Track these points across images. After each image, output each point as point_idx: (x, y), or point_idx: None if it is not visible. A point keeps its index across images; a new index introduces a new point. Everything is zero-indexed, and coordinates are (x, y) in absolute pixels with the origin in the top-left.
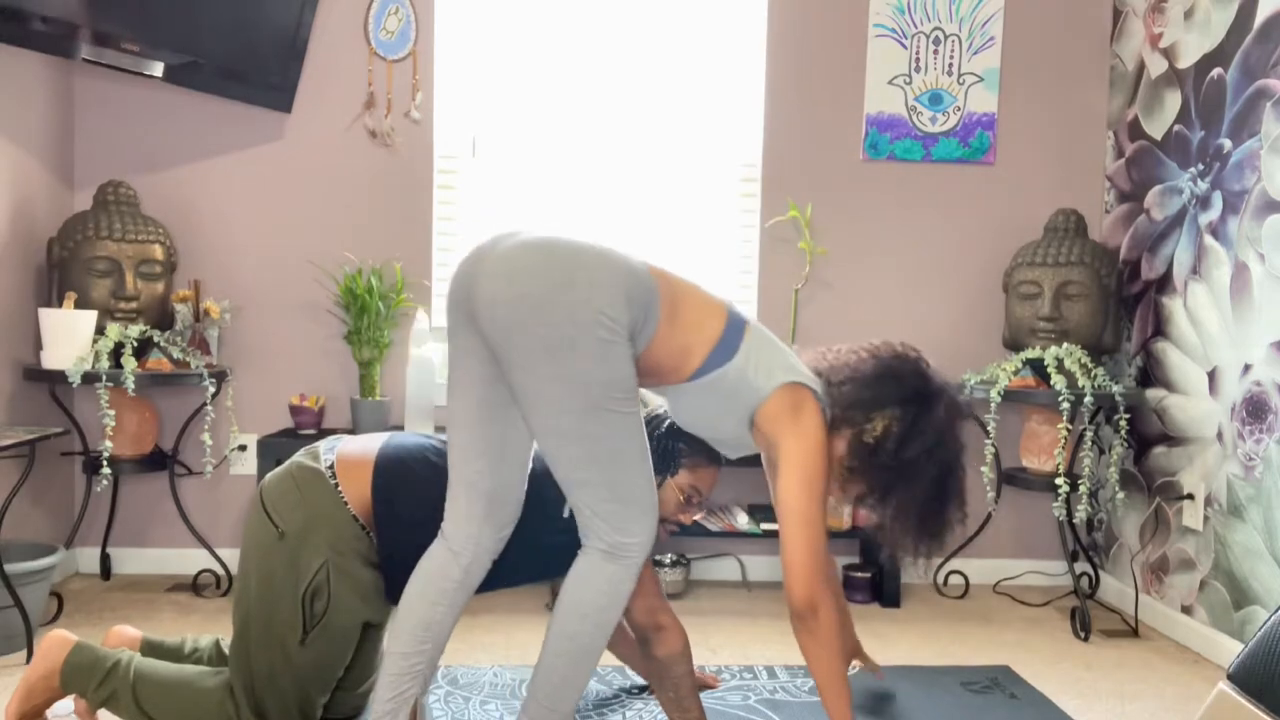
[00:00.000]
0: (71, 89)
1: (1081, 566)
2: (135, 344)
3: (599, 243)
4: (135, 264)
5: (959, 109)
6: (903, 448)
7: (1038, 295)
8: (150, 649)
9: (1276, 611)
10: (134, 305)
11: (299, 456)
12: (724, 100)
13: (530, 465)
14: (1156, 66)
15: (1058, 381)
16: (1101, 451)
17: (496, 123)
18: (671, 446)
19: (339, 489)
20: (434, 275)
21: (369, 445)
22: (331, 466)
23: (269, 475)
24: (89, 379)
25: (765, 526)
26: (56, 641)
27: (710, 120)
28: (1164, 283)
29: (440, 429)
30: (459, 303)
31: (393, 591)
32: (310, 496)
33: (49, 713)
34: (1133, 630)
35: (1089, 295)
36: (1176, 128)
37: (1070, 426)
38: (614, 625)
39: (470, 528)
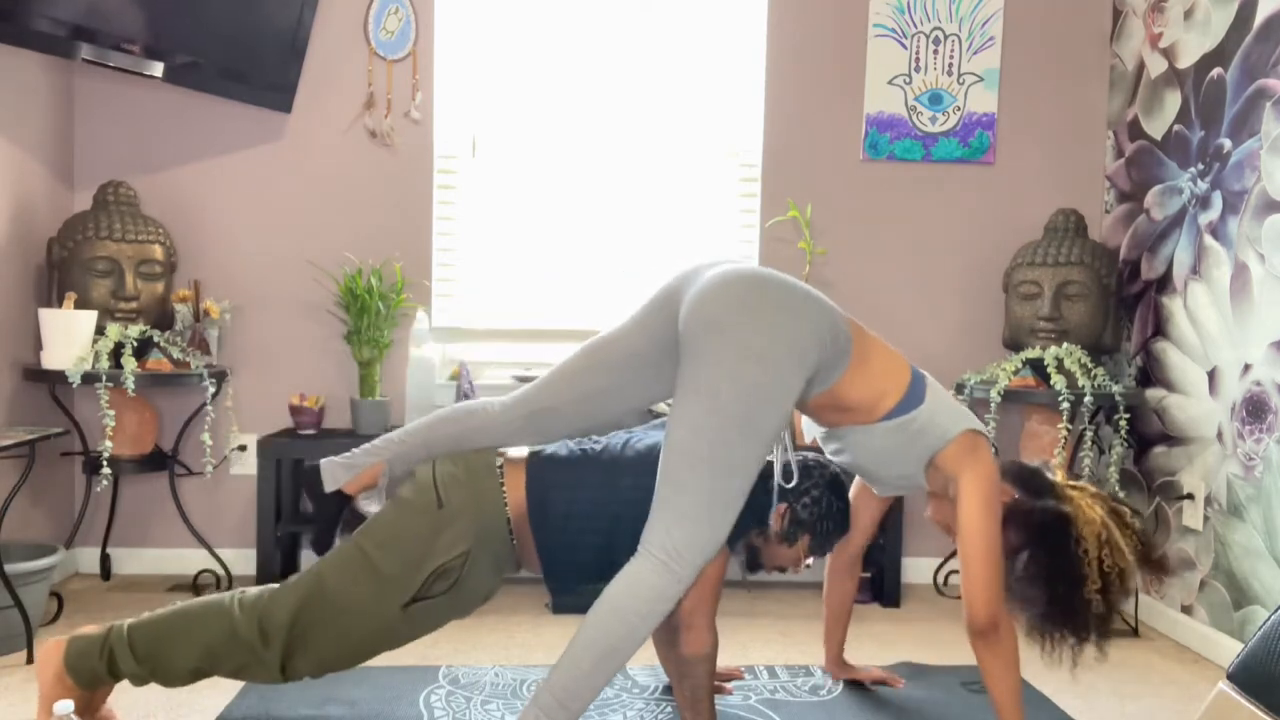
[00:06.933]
0: (71, 89)
1: None
2: (135, 344)
3: (812, 289)
4: (135, 264)
5: (959, 109)
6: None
7: (1038, 295)
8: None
9: (1276, 611)
10: (134, 305)
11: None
12: (724, 100)
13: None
14: (1156, 66)
15: (1058, 381)
16: (1101, 451)
17: (496, 123)
18: (831, 525)
19: (503, 488)
20: (434, 275)
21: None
22: (501, 466)
23: (442, 457)
24: (89, 379)
25: None
26: (50, 647)
27: (710, 120)
28: (1164, 283)
29: None
30: (668, 293)
31: (552, 581)
32: (478, 485)
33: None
34: (1133, 630)
35: (1089, 295)
36: (1176, 127)
37: (1070, 426)
38: (644, 637)
39: (513, 405)
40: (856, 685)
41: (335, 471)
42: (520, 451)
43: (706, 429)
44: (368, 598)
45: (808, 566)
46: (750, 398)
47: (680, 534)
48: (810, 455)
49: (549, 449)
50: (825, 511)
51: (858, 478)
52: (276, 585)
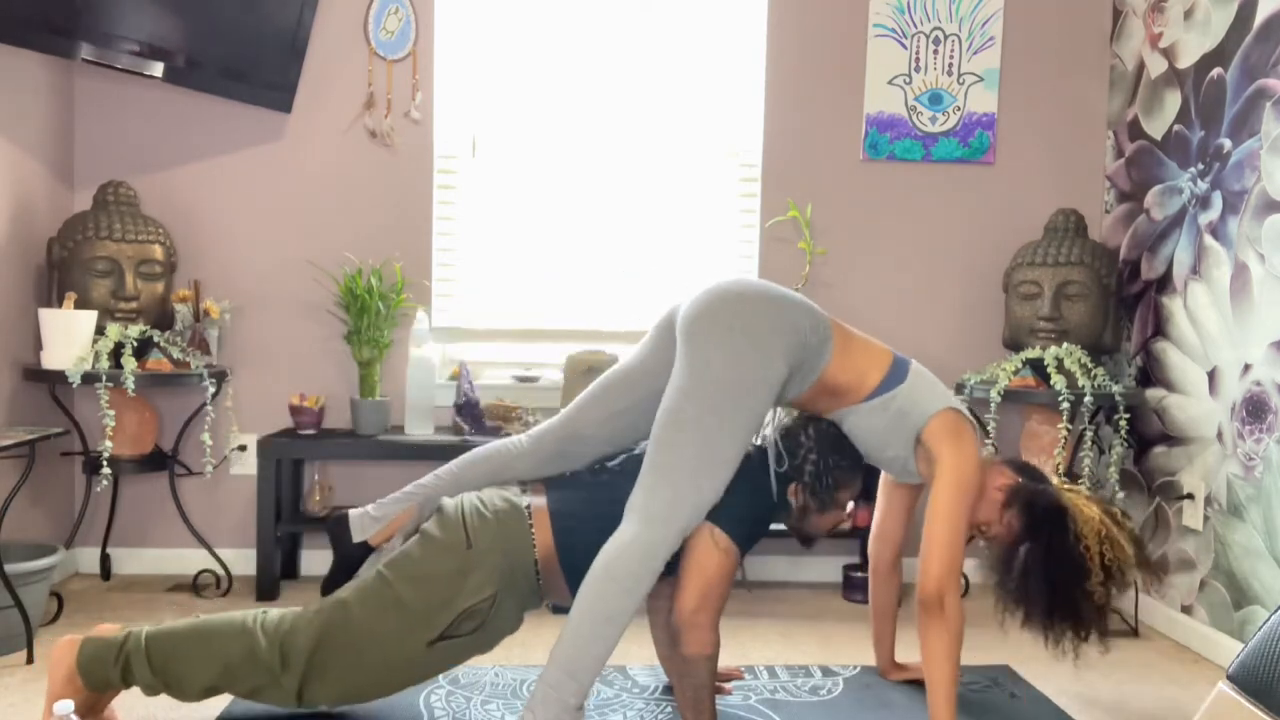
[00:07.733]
0: (71, 89)
1: None
2: (135, 344)
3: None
4: (135, 264)
5: (959, 109)
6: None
7: (1038, 295)
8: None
9: (1276, 611)
10: (134, 305)
11: (499, 490)
12: (724, 100)
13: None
14: (1156, 66)
15: (1058, 381)
16: (1101, 451)
17: (496, 123)
18: (833, 479)
19: (532, 530)
20: (434, 275)
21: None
22: (529, 507)
23: (468, 495)
24: (89, 379)
25: None
26: (63, 645)
27: (710, 120)
28: (1164, 283)
29: (441, 429)
30: (671, 317)
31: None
32: (506, 529)
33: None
34: (1133, 630)
35: (1089, 295)
36: (1176, 127)
37: (1070, 426)
38: (639, 599)
39: (541, 437)
40: (857, 685)
41: (364, 523)
42: (541, 500)
43: (697, 395)
44: (393, 632)
45: (851, 515)
46: (740, 369)
47: (665, 493)
48: (789, 422)
49: (566, 490)
50: (826, 467)
51: (884, 474)
52: (299, 609)
